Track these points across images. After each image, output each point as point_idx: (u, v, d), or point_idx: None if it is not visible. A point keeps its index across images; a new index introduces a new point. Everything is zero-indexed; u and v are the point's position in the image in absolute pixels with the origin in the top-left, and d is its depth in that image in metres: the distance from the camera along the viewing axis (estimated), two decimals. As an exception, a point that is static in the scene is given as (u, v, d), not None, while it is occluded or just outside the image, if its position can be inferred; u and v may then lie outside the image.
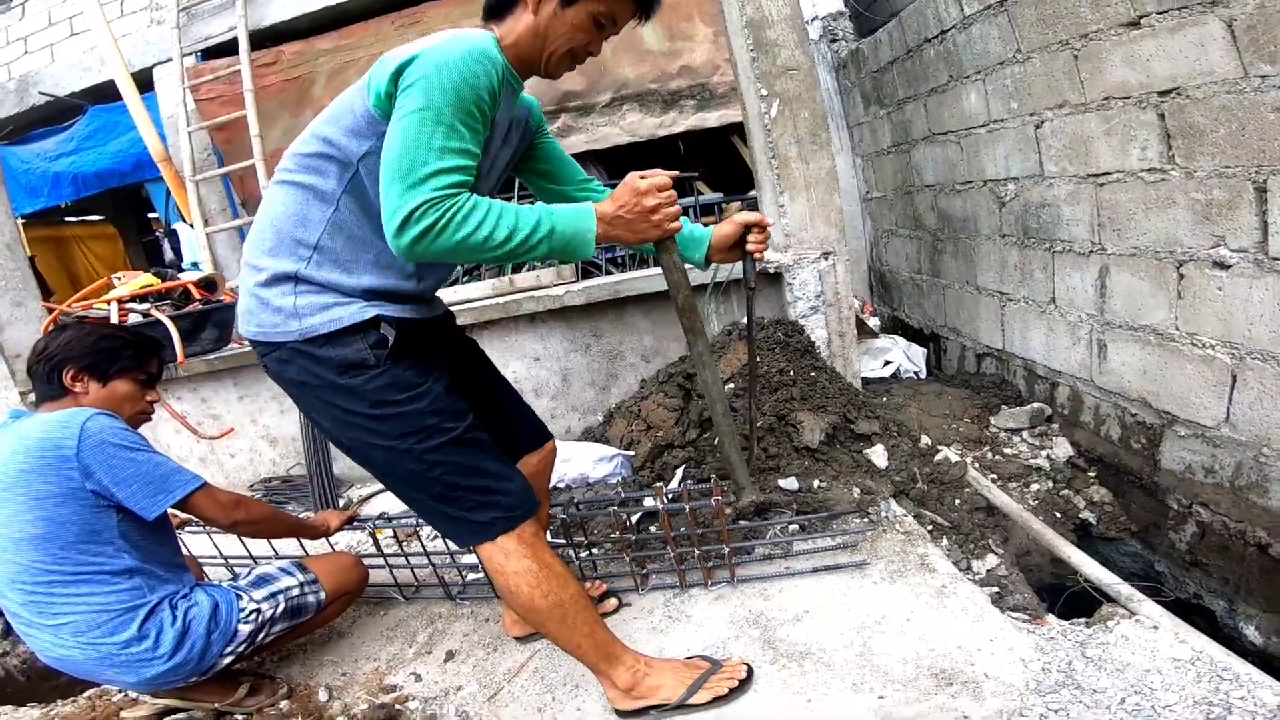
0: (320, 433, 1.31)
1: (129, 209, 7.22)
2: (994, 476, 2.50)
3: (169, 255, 4.93)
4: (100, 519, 1.51)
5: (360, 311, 1.26)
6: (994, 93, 2.91)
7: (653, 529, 2.19)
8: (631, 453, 2.53)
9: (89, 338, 1.64)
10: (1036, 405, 2.86)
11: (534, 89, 4.29)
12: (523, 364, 3.10)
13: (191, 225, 4.10)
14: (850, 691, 1.46)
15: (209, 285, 3.22)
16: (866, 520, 2.06)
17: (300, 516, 1.95)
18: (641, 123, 4.30)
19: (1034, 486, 2.54)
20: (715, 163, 4.98)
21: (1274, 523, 2.05)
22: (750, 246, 1.49)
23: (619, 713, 1.49)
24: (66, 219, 6.51)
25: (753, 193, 4.54)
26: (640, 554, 2.03)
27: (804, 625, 1.70)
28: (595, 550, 2.17)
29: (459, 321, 2.96)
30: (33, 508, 1.46)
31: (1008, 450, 2.70)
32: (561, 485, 2.56)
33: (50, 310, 3.35)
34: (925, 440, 2.57)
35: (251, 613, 1.67)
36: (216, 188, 4.32)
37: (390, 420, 1.28)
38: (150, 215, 7.43)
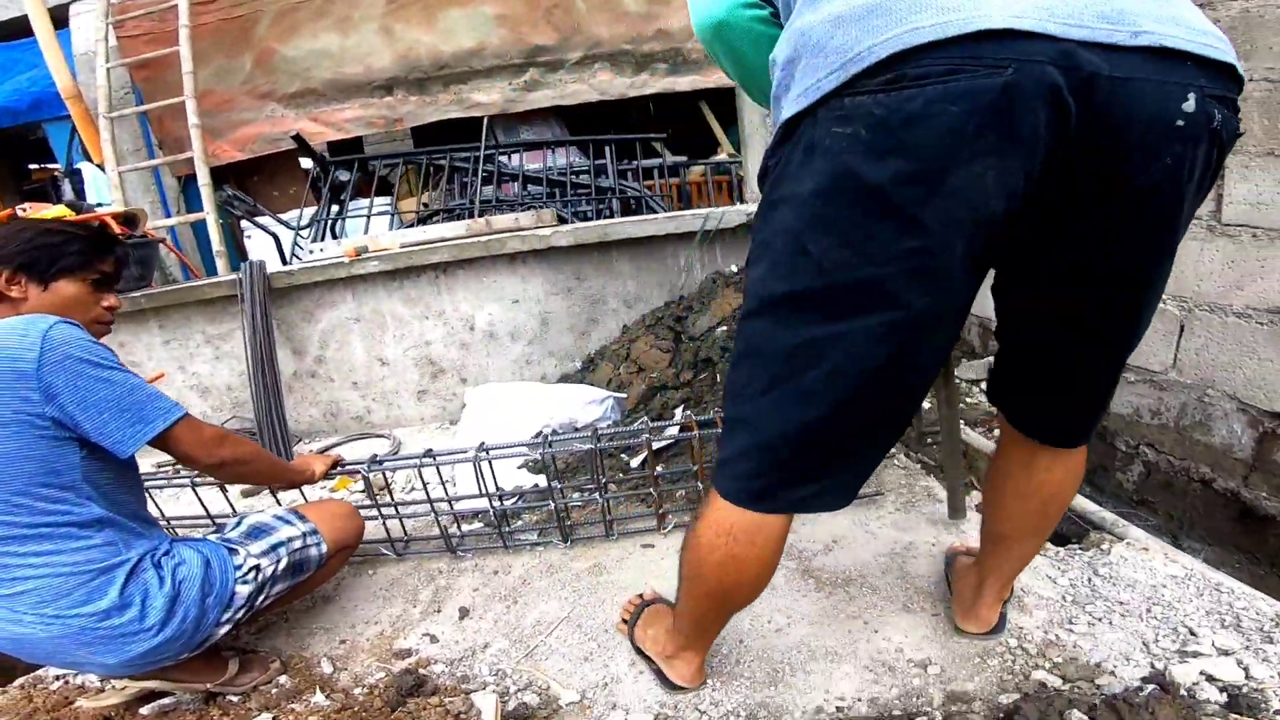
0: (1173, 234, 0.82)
1: (3, 158, 6.43)
2: (961, 421, 2.63)
3: (67, 196, 4.47)
4: (61, 456, 1.23)
5: None
6: None
7: (659, 469, 2.13)
8: (623, 395, 2.47)
9: (23, 234, 1.33)
10: (991, 359, 3.05)
11: (503, 40, 4.16)
12: (499, 306, 2.96)
13: (99, 165, 3.80)
14: (904, 612, 1.50)
15: (130, 221, 2.87)
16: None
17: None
18: (611, 82, 4.30)
19: (996, 431, 2.70)
20: (681, 126, 5.00)
21: (1215, 459, 2.29)
22: None
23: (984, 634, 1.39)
24: None
25: (716, 157, 4.63)
26: (659, 490, 1.95)
27: (836, 554, 1.73)
28: (612, 488, 2.08)
29: (435, 259, 2.84)
30: None
31: (969, 399, 2.86)
32: (547, 430, 2.45)
33: None
34: (900, 389, 2.68)
35: (250, 570, 1.42)
36: (131, 127, 4.12)
37: None
38: (31, 166, 6.70)
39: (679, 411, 2.33)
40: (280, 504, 1.79)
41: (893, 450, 2.20)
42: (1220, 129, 0.73)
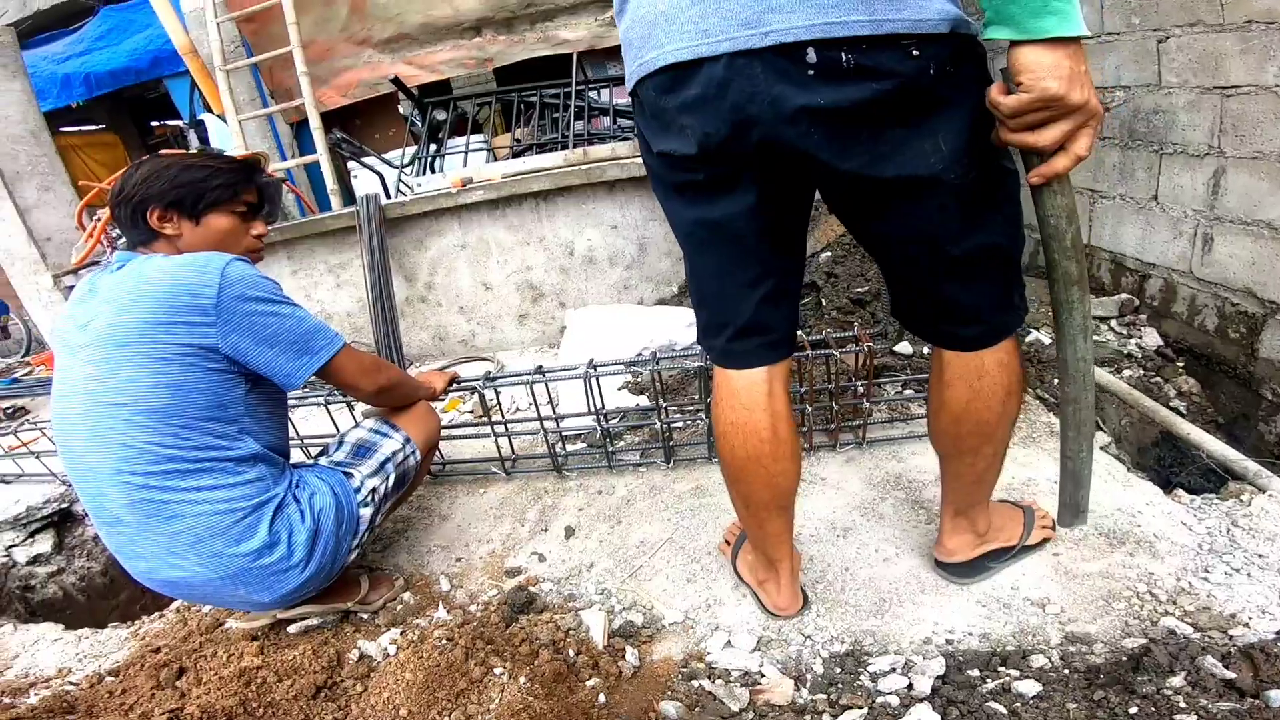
0: (949, 152, 0.93)
1: (127, 116, 6.92)
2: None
3: (194, 145, 4.78)
4: (228, 389, 1.26)
5: None
6: (1112, 7, 2.81)
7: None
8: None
9: (169, 170, 1.34)
10: (1124, 296, 2.82)
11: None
12: (598, 232, 2.99)
13: (220, 116, 4.02)
14: (1021, 550, 1.44)
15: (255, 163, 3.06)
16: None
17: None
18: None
19: (1126, 373, 2.51)
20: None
21: (1380, 411, 2.05)
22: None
23: (950, 566, 1.38)
24: (62, 129, 6.16)
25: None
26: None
27: (948, 486, 1.68)
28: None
29: (536, 188, 2.88)
30: (157, 371, 1.19)
31: (1096, 337, 2.67)
32: (645, 353, 2.48)
33: (86, 190, 3.20)
34: (1018, 324, 2.53)
35: (368, 494, 1.45)
36: (245, 78, 4.28)
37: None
38: (153, 123, 7.18)
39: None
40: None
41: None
42: (932, 86, 0.88)
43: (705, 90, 0.92)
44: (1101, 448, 2.12)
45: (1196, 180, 2.56)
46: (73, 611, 2.19)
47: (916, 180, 0.94)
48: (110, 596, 2.32)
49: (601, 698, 1.21)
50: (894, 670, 1.20)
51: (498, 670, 1.23)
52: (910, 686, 1.16)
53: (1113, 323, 2.75)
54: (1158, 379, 2.52)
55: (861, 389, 1.80)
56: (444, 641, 1.31)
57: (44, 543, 2.39)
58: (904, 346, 2.17)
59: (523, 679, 1.21)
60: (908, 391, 2.06)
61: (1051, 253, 1.04)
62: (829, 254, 2.55)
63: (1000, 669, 1.17)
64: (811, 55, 0.86)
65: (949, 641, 1.27)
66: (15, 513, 2.45)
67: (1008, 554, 1.39)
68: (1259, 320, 2.39)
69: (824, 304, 2.36)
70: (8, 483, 2.77)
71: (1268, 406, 2.39)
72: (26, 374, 5.21)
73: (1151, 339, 2.67)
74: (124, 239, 1.40)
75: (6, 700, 1.40)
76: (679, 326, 2.49)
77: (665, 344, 2.51)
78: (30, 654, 1.68)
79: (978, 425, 1.18)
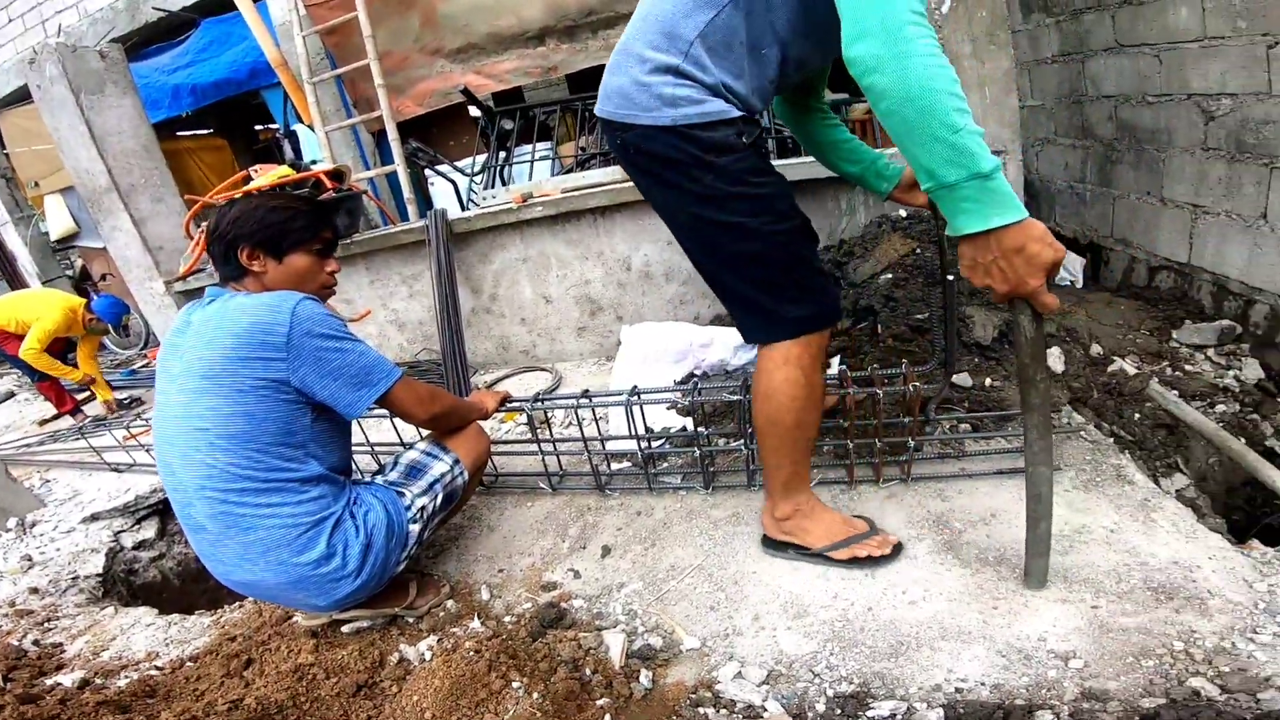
0: (662, 209, 1.52)
1: (236, 122, 7.42)
2: (1175, 393, 2.29)
3: (289, 156, 5.07)
4: (296, 418, 1.40)
5: (729, 109, 1.32)
6: (1214, 10, 2.58)
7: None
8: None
9: (257, 211, 1.47)
10: (1226, 322, 2.58)
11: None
12: (655, 247, 3.03)
13: (310, 126, 4.24)
14: (1058, 601, 1.38)
15: (338, 176, 3.24)
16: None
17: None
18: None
19: (1219, 408, 2.31)
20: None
21: None
22: None
23: (764, 539, 1.67)
24: (178, 134, 6.69)
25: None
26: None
27: (993, 529, 1.62)
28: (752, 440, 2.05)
29: (594, 204, 2.95)
30: (235, 401, 1.33)
31: (1189, 367, 2.46)
32: (698, 373, 2.50)
33: (192, 203, 3.49)
34: (1096, 349, 2.37)
35: (417, 511, 1.57)
36: (330, 90, 4.53)
37: (746, 199, 1.35)
38: (257, 127, 7.67)
39: (835, 361, 2.25)
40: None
41: (1081, 421, 1.97)
42: (636, 155, 1.40)
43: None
44: (1179, 490, 1.98)
45: (1310, 197, 2.33)
46: (168, 595, 2.42)
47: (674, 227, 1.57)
48: (202, 580, 2.53)
49: (608, 718, 1.25)
50: (894, 716, 1.18)
51: (515, 684, 1.30)
52: (905, 734, 1.14)
53: (1210, 351, 2.54)
54: (1255, 415, 2.31)
55: (908, 423, 1.75)
56: (472, 653, 1.39)
57: (149, 529, 2.66)
58: (963, 378, 2.07)
59: (536, 694, 1.26)
60: (964, 427, 1.98)
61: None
62: (889, 276, 2.47)
63: (999, 725, 1.13)
64: (611, 140, 1.42)
65: (958, 690, 1.23)
66: (125, 500, 2.74)
67: (805, 553, 1.59)
68: (1378, 352, 2.16)
69: (880, 331, 2.30)
70: (120, 472, 3.09)
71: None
72: (143, 366, 5.80)
73: (1253, 371, 2.45)
74: (217, 274, 1.55)
75: (99, 681, 1.58)
76: (730, 347, 2.49)
77: (717, 363, 2.51)
78: (126, 637, 1.89)
79: (757, 415, 1.50)
